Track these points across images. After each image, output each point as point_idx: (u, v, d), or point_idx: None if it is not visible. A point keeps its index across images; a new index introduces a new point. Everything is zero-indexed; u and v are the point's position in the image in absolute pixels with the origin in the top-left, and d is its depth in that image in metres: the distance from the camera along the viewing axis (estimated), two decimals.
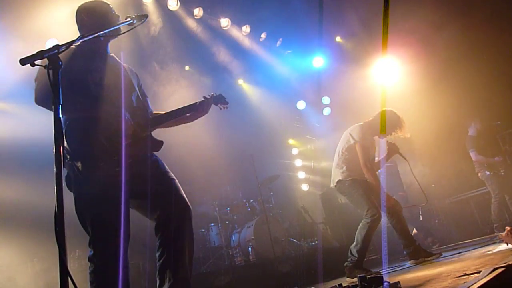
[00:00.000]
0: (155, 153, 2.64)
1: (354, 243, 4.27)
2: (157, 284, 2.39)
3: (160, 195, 2.46)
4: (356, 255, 4.19)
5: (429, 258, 4.23)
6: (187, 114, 2.75)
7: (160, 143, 2.60)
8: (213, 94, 2.92)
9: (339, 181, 4.53)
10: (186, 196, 2.56)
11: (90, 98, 2.33)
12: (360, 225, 4.29)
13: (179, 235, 2.42)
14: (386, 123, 4.50)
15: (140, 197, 2.43)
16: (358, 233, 4.26)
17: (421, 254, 4.29)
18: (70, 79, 2.23)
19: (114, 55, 2.64)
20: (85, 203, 2.26)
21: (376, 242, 6.37)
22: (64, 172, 2.30)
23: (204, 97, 2.84)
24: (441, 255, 4.30)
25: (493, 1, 6.90)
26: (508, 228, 3.14)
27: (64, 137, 2.20)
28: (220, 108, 3.02)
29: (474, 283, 1.74)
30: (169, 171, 2.63)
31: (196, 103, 2.78)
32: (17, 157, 4.86)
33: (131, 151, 2.38)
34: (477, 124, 6.44)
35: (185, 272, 2.39)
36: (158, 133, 2.70)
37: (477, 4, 6.99)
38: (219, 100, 2.98)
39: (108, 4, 2.58)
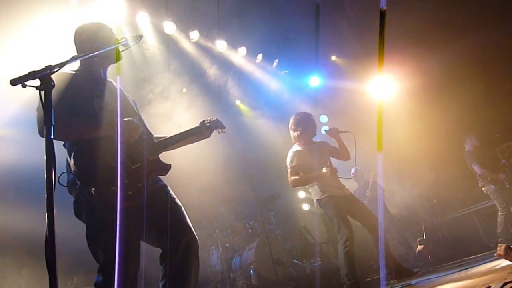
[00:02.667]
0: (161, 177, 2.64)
1: (341, 269, 4.18)
2: None
3: (168, 223, 2.42)
4: (346, 279, 4.07)
5: (411, 277, 4.16)
6: (191, 137, 2.83)
7: (168, 166, 2.58)
8: (210, 119, 3.02)
9: (317, 200, 4.51)
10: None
11: (97, 123, 2.30)
12: (338, 249, 4.21)
13: (184, 266, 2.39)
14: (301, 123, 4.66)
15: (148, 225, 2.38)
16: (339, 257, 4.19)
17: (402, 273, 4.21)
18: (74, 106, 2.24)
19: (111, 80, 2.64)
20: (98, 228, 2.22)
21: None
22: (71, 198, 2.28)
23: (202, 122, 2.95)
24: (421, 271, 4.24)
25: (487, 18, 6.99)
26: (503, 245, 3.07)
27: (72, 162, 2.21)
28: (219, 132, 3.14)
29: None
30: (176, 197, 2.60)
31: (200, 126, 2.90)
32: (13, 183, 4.80)
33: (141, 175, 2.36)
34: (473, 139, 6.42)
35: None
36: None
37: (472, 20, 7.08)
38: (217, 124, 3.08)
39: (111, 29, 2.54)
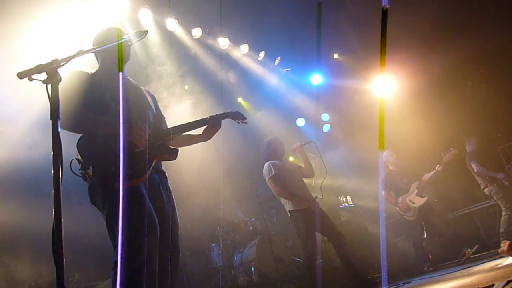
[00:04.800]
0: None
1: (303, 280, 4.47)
2: None
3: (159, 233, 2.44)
4: None
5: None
6: (202, 127, 2.82)
7: (175, 150, 2.61)
8: (229, 112, 3.03)
9: (289, 211, 4.70)
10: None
11: (109, 114, 2.38)
12: (303, 262, 4.50)
13: (163, 278, 2.43)
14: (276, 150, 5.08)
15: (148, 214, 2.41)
16: (304, 269, 4.46)
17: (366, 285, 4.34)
18: (88, 99, 2.36)
19: (129, 78, 2.74)
20: (107, 212, 2.28)
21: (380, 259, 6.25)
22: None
23: (210, 116, 2.88)
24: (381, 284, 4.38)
25: (490, 17, 6.97)
26: (507, 242, 3.07)
27: (76, 148, 2.26)
28: (238, 123, 3.12)
29: None
30: (174, 206, 2.63)
31: (207, 117, 2.84)
32: (18, 179, 4.80)
33: (144, 157, 2.39)
34: (473, 143, 6.41)
35: None
36: None
37: (474, 19, 7.06)
38: (238, 116, 3.08)
39: (121, 30, 2.65)
